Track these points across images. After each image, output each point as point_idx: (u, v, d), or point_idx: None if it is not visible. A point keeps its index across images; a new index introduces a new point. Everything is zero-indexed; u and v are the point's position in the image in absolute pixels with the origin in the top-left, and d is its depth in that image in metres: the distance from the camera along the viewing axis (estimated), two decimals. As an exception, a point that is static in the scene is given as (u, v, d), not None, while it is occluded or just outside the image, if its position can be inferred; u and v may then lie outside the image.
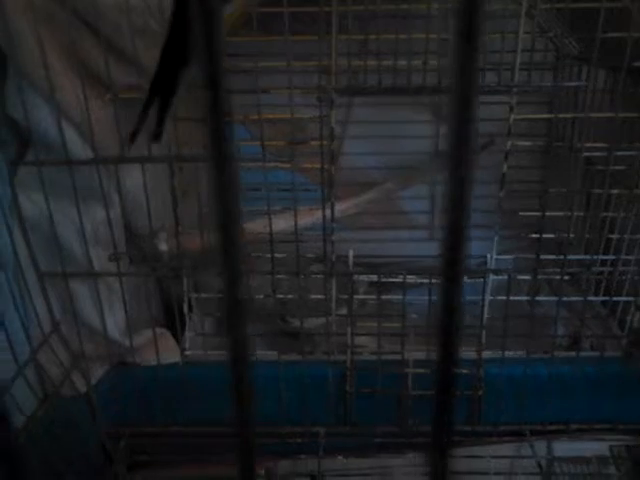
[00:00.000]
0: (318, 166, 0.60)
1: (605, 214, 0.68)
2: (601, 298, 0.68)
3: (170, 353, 0.69)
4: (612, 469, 0.65)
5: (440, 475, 0.15)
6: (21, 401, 0.58)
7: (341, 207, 0.78)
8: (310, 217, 0.72)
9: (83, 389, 0.67)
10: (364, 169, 0.92)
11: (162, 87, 0.43)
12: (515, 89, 0.53)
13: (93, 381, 0.67)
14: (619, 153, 0.56)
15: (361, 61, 0.59)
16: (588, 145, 0.58)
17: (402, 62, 0.57)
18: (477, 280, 0.65)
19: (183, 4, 0.37)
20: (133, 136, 0.47)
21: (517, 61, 0.53)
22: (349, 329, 0.65)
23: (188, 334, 0.71)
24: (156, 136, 0.46)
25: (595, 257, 0.64)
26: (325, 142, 0.59)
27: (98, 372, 0.68)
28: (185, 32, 0.39)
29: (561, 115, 0.63)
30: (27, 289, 0.61)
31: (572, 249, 0.70)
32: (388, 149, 0.90)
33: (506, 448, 0.67)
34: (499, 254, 0.65)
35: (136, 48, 0.53)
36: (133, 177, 0.62)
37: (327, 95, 0.53)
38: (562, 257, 0.61)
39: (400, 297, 0.63)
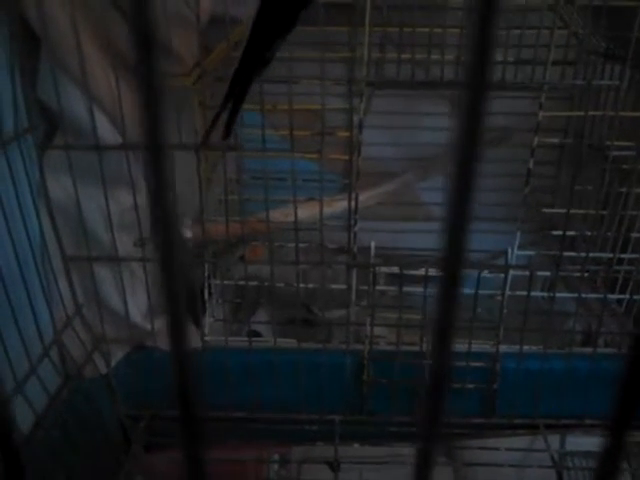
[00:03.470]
0: (344, 157, 0.60)
1: (625, 212, 0.69)
2: (620, 296, 0.68)
3: (190, 338, 0.70)
4: (624, 464, 0.66)
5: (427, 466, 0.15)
6: (46, 381, 0.59)
7: (361, 198, 0.78)
8: (330, 208, 0.72)
9: (104, 371, 0.68)
10: (382, 160, 0.93)
11: (238, 90, 0.44)
12: (546, 86, 0.54)
13: (113, 363, 0.68)
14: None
15: (393, 54, 0.59)
16: (618, 144, 0.58)
17: (435, 56, 0.57)
18: (495, 274, 0.66)
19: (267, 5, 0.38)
20: (208, 134, 0.50)
21: (550, 58, 0.53)
22: (368, 319, 0.66)
23: (207, 320, 0.72)
24: (227, 133, 0.48)
25: (618, 255, 0.64)
26: (351, 133, 0.59)
27: (118, 355, 0.69)
28: (268, 33, 0.39)
29: (591, 113, 0.63)
30: (52, 272, 0.62)
31: (587, 246, 0.71)
32: (406, 140, 0.90)
33: (520, 441, 0.68)
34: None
35: (169, 35, 0.54)
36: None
37: (358, 87, 0.53)
38: (584, 254, 0.62)
39: (421, 289, 0.64)
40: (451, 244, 0.13)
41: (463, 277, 0.13)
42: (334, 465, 0.67)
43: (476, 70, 0.11)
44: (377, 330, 0.68)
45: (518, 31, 0.60)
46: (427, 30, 0.62)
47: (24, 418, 0.56)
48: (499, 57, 0.61)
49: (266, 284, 0.67)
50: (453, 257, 0.13)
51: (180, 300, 0.14)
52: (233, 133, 0.59)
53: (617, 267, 0.67)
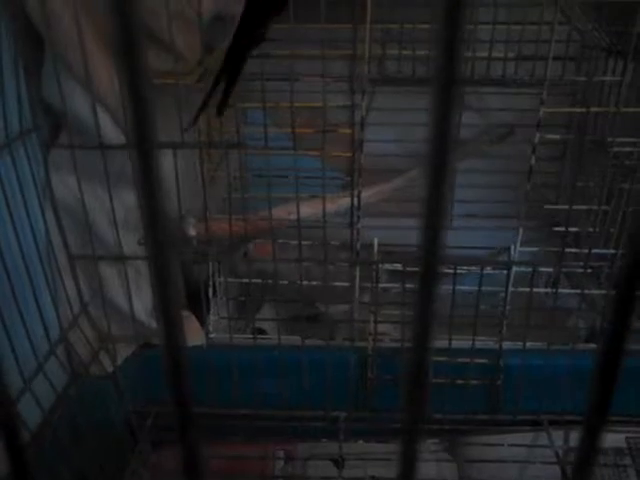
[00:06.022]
0: (346, 154, 0.61)
1: (627, 208, 0.69)
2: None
3: (194, 336, 0.71)
4: (628, 460, 0.66)
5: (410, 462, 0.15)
6: (53, 379, 0.60)
7: (365, 195, 0.79)
8: (333, 205, 0.73)
9: (110, 369, 0.68)
10: (384, 156, 0.93)
11: (231, 66, 0.44)
12: (547, 82, 0.54)
13: (119, 361, 0.69)
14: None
15: (394, 50, 0.59)
16: (620, 140, 0.58)
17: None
18: (498, 271, 0.66)
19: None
20: (199, 112, 0.52)
21: (551, 53, 0.53)
22: (372, 316, 0.66)
23: (212, 318, 0.72)
24: (220, 111, 0.50)
25: (622, 251, 0.64)
26: (353, 130, 0.60)
27: (125, 353, 0.69)
28: (258, 16, 0.40)
29: (593, 109, 0.63)
30: (58, 270, 0.62)
31: (591, 242, 0.71)
32: (409, 137, 0.90)
33: (524, 437, 0.68)
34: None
35: (172, 34, 0.54)
36: (164, 162, 0.62)
37: (360, 84, 0.54)
38: (586, 251, 0.62)
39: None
40: (428, 242, 0.13)
41: (440, 274, 0.13)
42: (339, 462, 0.67)
43: (445, 66, 0.11)
44: (381, 327, 0.69)
45: (519, 26, 0.60)
46: (428, 26, 0.62)
47: (32, 416, 0.56)
48: (500, 53, 0.61)
49: (270, 282, 0.68)
50: (430, 254, 0.13)
51: (173, 300, 0.14)
52: (236, 131, 0.60)
53: (620, 263, 0.67)
